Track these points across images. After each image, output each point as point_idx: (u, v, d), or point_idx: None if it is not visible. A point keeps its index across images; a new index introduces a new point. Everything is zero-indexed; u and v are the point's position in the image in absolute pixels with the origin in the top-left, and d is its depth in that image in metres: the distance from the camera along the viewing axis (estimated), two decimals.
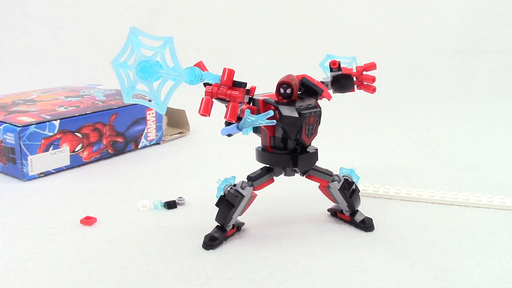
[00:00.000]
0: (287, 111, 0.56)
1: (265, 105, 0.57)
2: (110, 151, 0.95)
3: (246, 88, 0.54)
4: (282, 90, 0.57)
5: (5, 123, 0.82)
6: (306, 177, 0.62)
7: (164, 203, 0.70)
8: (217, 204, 0.59)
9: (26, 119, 0.83)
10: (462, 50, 1.43)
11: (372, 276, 0.52)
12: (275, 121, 0.54)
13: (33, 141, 0.81)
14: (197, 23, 1.64)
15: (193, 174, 0.69)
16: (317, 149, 0.60)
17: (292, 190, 0.72)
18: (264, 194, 0.64)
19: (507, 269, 0.53)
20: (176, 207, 0.70)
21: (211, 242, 0.58)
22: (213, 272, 0.53)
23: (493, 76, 1.44)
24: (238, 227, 0.62)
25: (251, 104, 0.58)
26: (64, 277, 0.52)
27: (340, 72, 0.66)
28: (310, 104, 0.57)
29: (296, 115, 0.55)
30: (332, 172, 0.63)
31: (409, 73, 1.48)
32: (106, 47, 1.64)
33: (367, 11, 1.56)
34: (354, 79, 0.67)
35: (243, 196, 0.58)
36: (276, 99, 0.57)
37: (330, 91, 0.65)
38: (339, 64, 0.66)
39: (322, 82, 0.63)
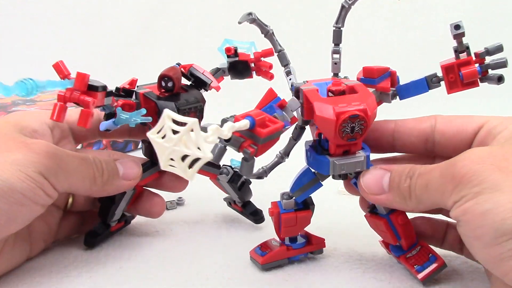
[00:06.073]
0: (165, 107, 0.53)
1: (146, 99, 0.55)
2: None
3: (105, 90, 0.50)
4: (163, 84, 0.55)
5: None
6: None
7: None
8: (99, 200, 0.58)
9: None
10: None
11: (372, 277, 0.52)
12: (151, 118, 0.52)
13: None
14: (197, 23, 1.63)
15: None
16: None
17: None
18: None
19: None
20: (175, 207, 0.70)
21: (92, 238, 0.57)
22: (213, 272, 0.53)
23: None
24: (126, 221, 0.61)
25: (133, 97, 0.55)
26: (63, 277, 0.52)
27: (237, 58, 0.64)
28: (192, 98, 0.56)
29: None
30: (220, 165, 0.62)
31: (409, 73, 1.48)
32: (106, 47, 1.63)
33: (367, 11, 1.56)
34: (252, 65, 0.64)
35: (124, 192, 0.57)
36: (158, 93, 0.56)
37: (228, 77, 0.64)
38: (235, 50, 0.64)
39: (219, 69, 0.63)
